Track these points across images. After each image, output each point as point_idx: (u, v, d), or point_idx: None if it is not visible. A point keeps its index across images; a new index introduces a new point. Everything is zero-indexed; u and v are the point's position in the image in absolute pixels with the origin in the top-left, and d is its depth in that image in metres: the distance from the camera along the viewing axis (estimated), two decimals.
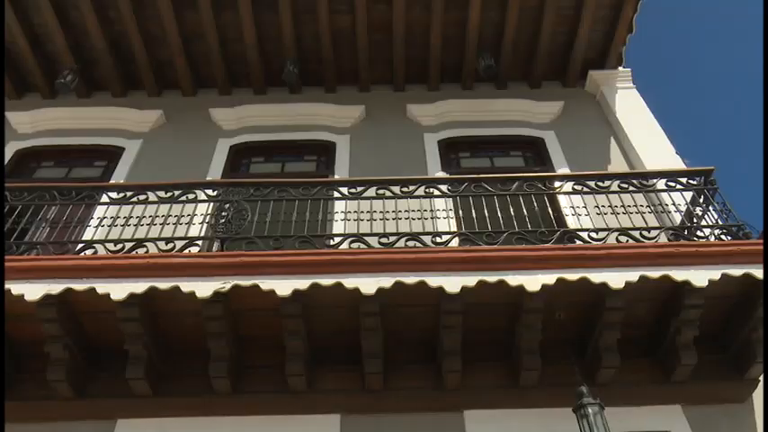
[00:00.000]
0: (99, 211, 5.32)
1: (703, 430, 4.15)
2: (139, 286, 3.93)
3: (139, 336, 4.07)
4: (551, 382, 4.23)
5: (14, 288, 3.91)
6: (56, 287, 3.92)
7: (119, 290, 3.91)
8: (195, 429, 4.19)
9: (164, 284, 3.93)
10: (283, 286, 3.92)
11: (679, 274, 3.97)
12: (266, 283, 3.94)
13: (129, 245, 4.28)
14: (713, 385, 4.29)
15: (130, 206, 4.76)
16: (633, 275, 3.96)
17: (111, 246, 4.29)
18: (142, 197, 4.78)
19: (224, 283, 3.95)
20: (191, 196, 4.79)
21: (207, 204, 4.86)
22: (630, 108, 7.09)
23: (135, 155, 6.69)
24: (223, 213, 4.57)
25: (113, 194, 4.84)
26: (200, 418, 4.23)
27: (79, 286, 3.93)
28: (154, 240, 4.30)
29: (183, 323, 4.25)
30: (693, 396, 4.27)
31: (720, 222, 4.47)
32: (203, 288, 3.93)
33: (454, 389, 4.26)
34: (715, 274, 3.96)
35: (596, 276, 3.96)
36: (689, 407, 4.25)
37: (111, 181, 6.29)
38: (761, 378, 4.28)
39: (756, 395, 4.30)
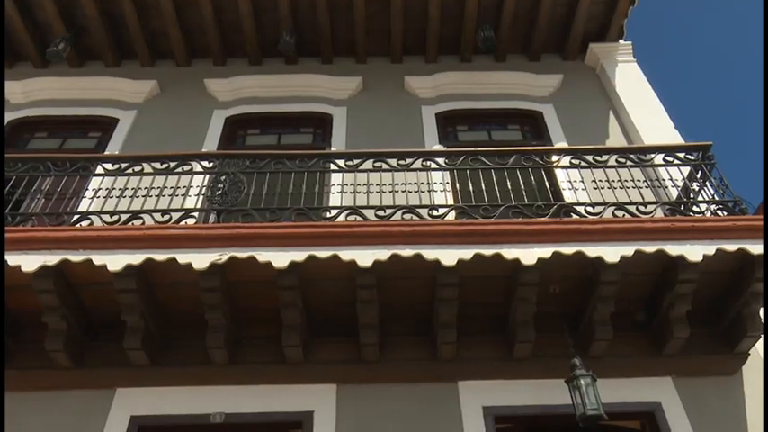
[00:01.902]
0: (94, 182, 5.29)
1: (693, 402, 4.23)
2: (136, 258, 3.93)
3: (137, 307, 4.08)
4: (545, 353, 4.28)
5: (11, 259, 3.91)
6: (52, 258, 3.92)
7: (115, 261, 3.92)
8: (193, 399, 4.24)
9: (160, 256, 3.94)
10: (280, 258, 3.93)
11: (674, 249, 3.99)
12: (263, 255, 3.95)
13: (124, 216, 4.27)
14: (704, 358, 4.35)
15: (126, 178, 4.72)
16: (628, 250, 3.98)
17: (107, 217, 4.27)
18: (137, 169, 4.74)
19: (220, 255, 3.95)
20: (186, 168, 4.76)
21: (203, 176, 4.83)
22: (630, 82, 7.02)
23: (129, 126, 6.62)
24: (219, 185, 4.55)
25: (108, 166, 4.79)
26: (197, 387, 4.28)
27: (76, 257, 3.93)
28: (150, 212, 4.28)
29: (179, 294, 4.26)
30: (684, 368, 4.34)
31: (717, 198, 4.47)
32: (200, 260, 3.94)
33: (449, 360, 4.31)
34: (710, 249, 3.98)
35: (592, 250, 3.98)
36: (680, 379, 4.32)
37: (106, 152, 6.24)
38: (750, 351, 4.34)
39: (746, 368, 4.38)
